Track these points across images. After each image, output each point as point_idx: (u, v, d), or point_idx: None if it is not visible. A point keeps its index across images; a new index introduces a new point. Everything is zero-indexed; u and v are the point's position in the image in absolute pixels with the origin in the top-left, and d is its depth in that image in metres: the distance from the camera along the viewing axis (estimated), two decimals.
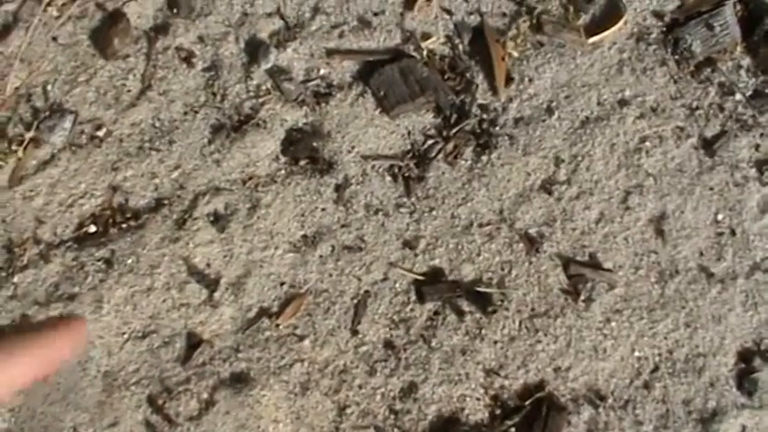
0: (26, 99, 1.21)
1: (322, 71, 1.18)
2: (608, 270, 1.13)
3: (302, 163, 1.14)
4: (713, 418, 1.10)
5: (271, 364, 1.10)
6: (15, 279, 1.16)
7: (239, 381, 1.10)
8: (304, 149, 1.14)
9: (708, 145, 1.17)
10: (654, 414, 1.09)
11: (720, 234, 1.14)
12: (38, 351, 0.75)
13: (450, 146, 1.15)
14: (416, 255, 1.12)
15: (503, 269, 1.12)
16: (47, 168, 1.18)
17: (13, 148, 1.19)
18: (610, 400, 1.10)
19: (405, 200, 1.14)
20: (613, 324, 1.11)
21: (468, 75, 1.18)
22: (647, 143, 1.17)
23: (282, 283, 1.11)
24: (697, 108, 1.18)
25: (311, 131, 1.15)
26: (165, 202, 1.16)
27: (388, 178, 1.15)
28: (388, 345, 1.09)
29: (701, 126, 1.18)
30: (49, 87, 1.21)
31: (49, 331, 0.77)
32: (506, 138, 1.16)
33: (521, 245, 1.13)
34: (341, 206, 1.13)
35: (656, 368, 1.11)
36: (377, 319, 1.10)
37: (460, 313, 1.09)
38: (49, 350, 0.76)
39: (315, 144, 1.14)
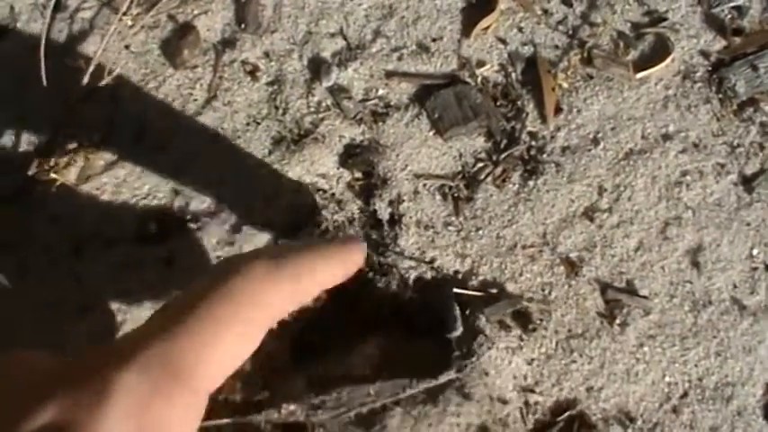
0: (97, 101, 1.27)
1: (380, 91, 1.24)
2: (644, 297, 1.17)
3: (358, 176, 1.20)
4: None
5: None
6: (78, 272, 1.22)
7: None
8: (361, 164, 1.19)
9: (747, 182, 1.21)
10: None
11: (755, 269, 1.19)
12: (324, 267, 0.77)
13: (498, 170, 1.20)
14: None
15: (543, 290, 1.17)
16: (113, 169, 1.24)
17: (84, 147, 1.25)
18: (639, 422, 1.14)
19: (453, 218, 1.19)
20: (646, 349, 1.16)
21: (519, 103, 1.23)
22: (688, 177, 1.21)
23: None
24: (738, 146, 1.23)
25: (368, 148, 1.21)
26: (224, 207, 1.21)
27: (438, 197, 1.20)
28: None
29: (741, 163, 1.22)
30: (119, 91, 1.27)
31: (332, 250, 0.79)
32: (553, 165, 1.21)
33: (561, 268, 1.17)
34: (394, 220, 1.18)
35: (686, 394, 1.15)
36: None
37: (505, 328, 1.14)
38: (333, 268, 0.78)
39: (371, 160, 1.19)
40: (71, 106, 1.24)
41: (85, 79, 1.23)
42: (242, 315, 0.68)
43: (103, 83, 1.23)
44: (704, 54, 1.26)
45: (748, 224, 1.20)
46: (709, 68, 1.26)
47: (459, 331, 1.13)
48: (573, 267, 1.17)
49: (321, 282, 0.77)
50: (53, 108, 1.24)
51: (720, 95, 1.24)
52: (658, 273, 1.18)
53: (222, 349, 0.66)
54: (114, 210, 1.23)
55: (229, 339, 0.67)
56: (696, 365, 1.16)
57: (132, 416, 0.60)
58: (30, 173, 1.23)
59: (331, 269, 0.78)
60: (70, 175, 1.25)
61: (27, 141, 1.26)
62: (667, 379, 1.15)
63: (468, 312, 1.15)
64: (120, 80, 1.25)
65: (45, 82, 1.22)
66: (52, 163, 1.24)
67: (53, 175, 1.24)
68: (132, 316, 1.19)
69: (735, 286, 1.18)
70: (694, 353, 1.16)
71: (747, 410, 1.15)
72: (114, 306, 1.20)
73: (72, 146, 1.25)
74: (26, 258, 1.22)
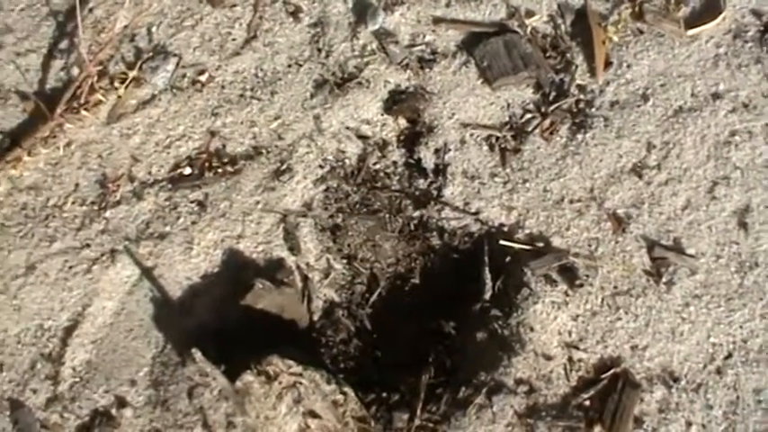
0: (130, 39, 1.23)
1: (427, 38, 1.21)
2: (691, 256, 1.15)
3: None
4: None
5: None
6: (107, 214, 1.17)
7: None
8: (406, 111, 1.16)
9: None
10: (724, 400, 1.11)
11: None
12: None
13: (547, 122, 1.18)
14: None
15: (590, 245, 1.14)
16: (146, 108, 1.20)
17: (115, 85, 1.21)
18: (683, 383, 1.12)
19: (500, 170, 1.16)
20: (692, 309, 1.14)
21: (568, 55, 1.21)
22: (737, 137, 1.19)
23: None
24: None
25: (414, 95, 1.17)
26: (263, 150, 1.18)
27: (485, 147, 1.17)
28: None
29: None
30: (153, 29, 1.23)
31: None
32: (602, 119, 1.18)
33: (608, 224, 1.15)
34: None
35: (730, 355, 1.13)
36: None
37: (551, 282, 1.12)
38: None
39: (417, 107, 1.16)
40: (104, 42, 1.19)
41: (121, 14, 1.18)
42: None
43: (139, 18, 1.18)
44: (756, 14, 1.24)
45: None
46: (761, 28, 1.24)
47: (488, 294, 1.11)
48: (620, 223, 1.15)
49: None
50: (87, 43, 1.19)
51: None
52: (705, 232, 1.16)
53: None
54: (147, 151, 1.19)
55: None
56: (741, 327, 1.14)
57: None
58: (59, 111, 1.18)
59: None
60: (101, 114, 1.20)
61: (56, 78, 1.21)
62: (712, 339, 1.13)
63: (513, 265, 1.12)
64: (156, 18, 1.20)
65: (79, 18, 1.18)
66: (82, 101, 1.20)
67: (83, 113, 1.20)
68: (163, 261, 1.15)
69: None
70: (740, 314, 1.14)
71: None
72: (146, 250, 1.16)
73: (104, 83, 1.20)
74: (55, 201, 1.18)
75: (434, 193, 1.15)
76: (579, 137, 1.18)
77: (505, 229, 1.15)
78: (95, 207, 1.18)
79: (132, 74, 1.20)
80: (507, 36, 1.19)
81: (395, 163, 1.18)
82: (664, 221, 1.16)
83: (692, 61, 1.22)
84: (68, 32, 1.23)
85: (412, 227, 1.17)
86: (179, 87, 1.20)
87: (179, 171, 1.18)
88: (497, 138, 1.17)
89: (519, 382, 1.11)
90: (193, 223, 1.16)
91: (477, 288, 1.14)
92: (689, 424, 1.10)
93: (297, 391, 1.06)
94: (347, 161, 1.18)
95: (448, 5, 1.21)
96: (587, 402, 1.10)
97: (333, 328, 1.16)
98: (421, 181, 1.17)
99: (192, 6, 1.22)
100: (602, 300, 1.13)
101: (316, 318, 1.16)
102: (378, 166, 1.17)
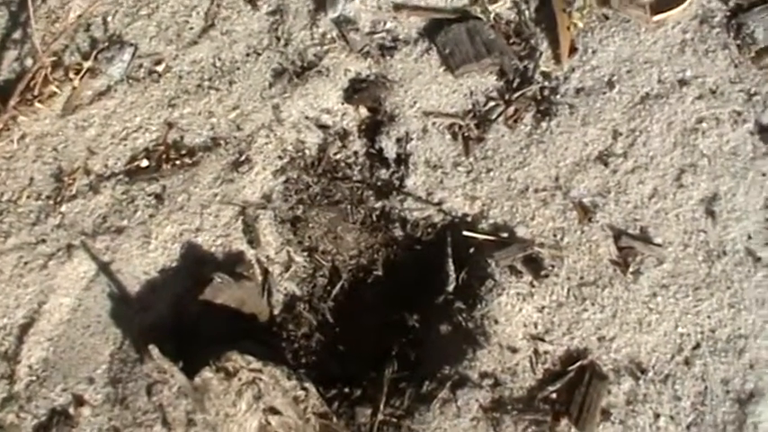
0: (85, 28, 1.20)
1: (388, 24, 1.19)
2: (658, 245, 1.13)
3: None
4: (750, 399, 1.10)
5: None
6: (63, 208, 1.15)
7: None
8: (367, 100, 1.14)
9: (763, 131, 1.18)
10: (692, 390, 1.10)
11: None
12: None
13: (510, 109, 1.16)
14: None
15: (555, 235, 1.13)
16: (102, 99, 1.18)
17: (70, 76, 1.19)
18: (650, 374, 1.10)
19: (463, 159, 1.15)
20: (659, 299, 1.12)
21: (532, 41, 1.19)
22: (704, 124, 1.18)
23: None
24: (755, 94, 1.19)
25: (375, 83, 1.15)
26: (221, 142, 1.15)
27: (448, 136, 1.16)
28: None
29: (757, 112, 1.19)
30: (109, 18, 1.20)
31: None
32: (566, 106, 1.17)
33: (574, 213, 1.13)
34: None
35: (698, 345, 1.12)
36: None
37: (515, 273, 1.10)
38: None
39: (378, 95, 1.14)
40: (58, 32, 1.17)
41: (74, 2, 1.16)
42: None
43: (93, 7, 1.16)
44: None
45: (764, 174, 1.17)
46: (728, 13, 1.22)
47: (452, 286, 1.10)
48: (586, 213, 1.13)
49: None
50: (40, 34, 1.17)
51: (738, 42, 1.20)
52: (673, 221, 1.14)
53: None
54: (103, 143, 1.17)
55: None
56: (709, 317, 1.12)
57: None
58: (12, 103, 1.16)
59: None
60: (56, 106, 1.18)
61: (9, 70, 1.18)
62: (680, 330, 1.12)
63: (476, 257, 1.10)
64: (111, 6, 1.18)
65: (32, 7, 1.15)
66: (36, 92, 1.17)
67: (37, 105, 1.17)
68: (121, 255, 1.13)
69: (749, 237, 1.15)
70: (707, 304, 1.13)
71: (760, 363, 1.12)
72: (103, 245, 1.14)
73: (58, 75, 1.18)
74: (9, 195, 1.15)
75: (396, 183, 1.14)
76: (544, 125, 1.16)
77: (469, 219, 1.13)
78: (51, 201, 1.16)
79: (87, 64, 1.18)
80: (470, 22, 1.17)
81: (356, 153, 1.16)
82: (630, 210, 1.15)
83: (658, 47, 1.20)
84: (21, 22, 1.20)
85: (374, 218, 1.15)
86: (135, 78, 1.17)
87: (136, 164, 1.16)
88: (460, 126, 1.16)
89: (484, 375, 1.09)
90: (151, 217, 1.14)
91: (440, 280, 1.12)
92: (657, 416, 1.09)
93: (257, 388, 1.04)
94: (307, 151, 1.16)
95: None
96: (554, 395, 1.09)
97: (294, 322, 1.14)
98: (383, 171, 1.15)
99: None
100: (569, 290, 1.12)
101: (276, 312, 1.14)
102: (338, 157, 1.15)
